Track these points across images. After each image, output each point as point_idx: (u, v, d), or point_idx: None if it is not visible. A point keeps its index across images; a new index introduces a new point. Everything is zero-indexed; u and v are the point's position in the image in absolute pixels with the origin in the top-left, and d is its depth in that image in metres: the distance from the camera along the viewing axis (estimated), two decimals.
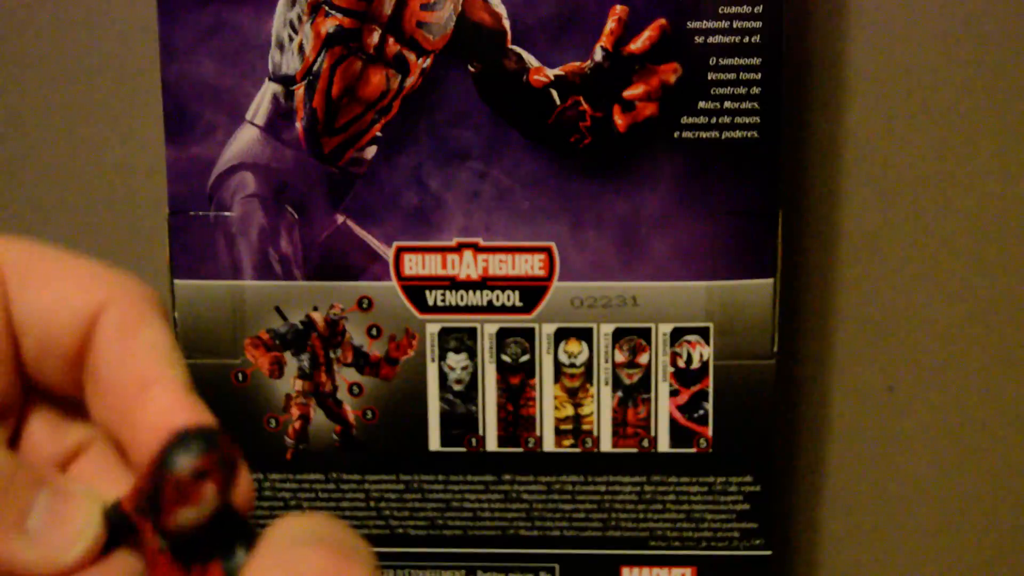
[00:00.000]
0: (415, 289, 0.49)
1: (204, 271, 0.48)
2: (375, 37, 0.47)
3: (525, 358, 0.49)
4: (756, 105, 0.47)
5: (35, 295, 0.29)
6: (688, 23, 0.46)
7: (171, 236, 0.48)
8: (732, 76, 0.46)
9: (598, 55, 0.47)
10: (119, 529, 0.28)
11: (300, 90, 0.47)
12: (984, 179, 0.53)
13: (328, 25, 0.47)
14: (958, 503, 0.56)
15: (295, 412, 0.50)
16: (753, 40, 0.46)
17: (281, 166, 0.48)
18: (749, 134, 0.47)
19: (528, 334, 0.49)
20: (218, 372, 0.49)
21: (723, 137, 0.47)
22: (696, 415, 0.49)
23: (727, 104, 0.47)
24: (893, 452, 0.56)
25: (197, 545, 0.27)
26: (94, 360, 0.29)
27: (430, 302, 0.49)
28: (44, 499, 0.28)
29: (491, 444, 0.50)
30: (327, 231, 0.48)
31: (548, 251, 0.48)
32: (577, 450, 0.50)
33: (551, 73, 0.47)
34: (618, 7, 0.46)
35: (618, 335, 0.49)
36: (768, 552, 0.50)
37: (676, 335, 0.49)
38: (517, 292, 0.49)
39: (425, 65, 0.47)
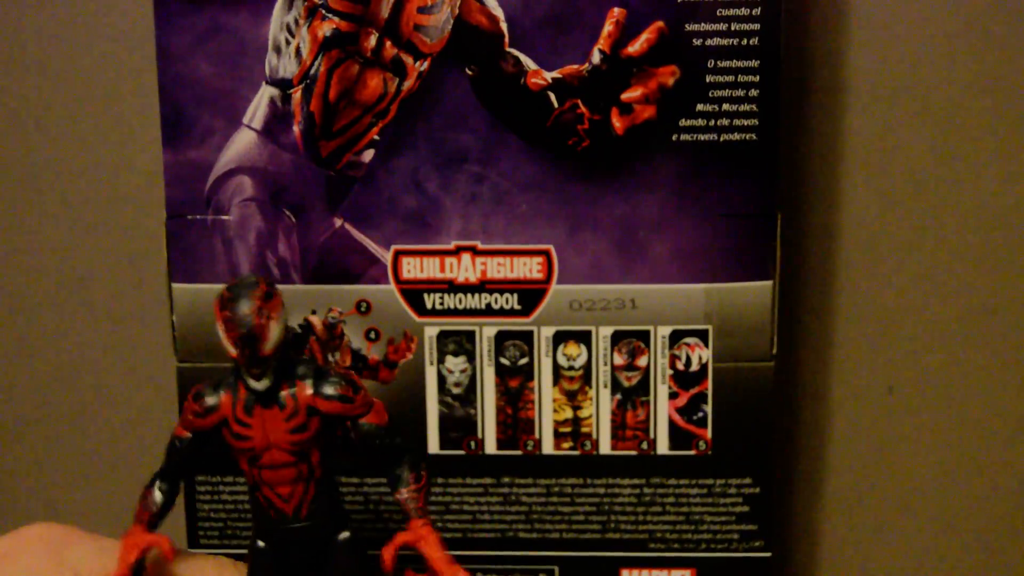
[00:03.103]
0: (413, 292, 0.49)
1: (202, 275, 0.48)
2: (372, 40, 0.47)
3: (524, 361, 0.49)
4: (754, 107, 0.47)
5: None
6: (686, 25, 0.46)
7: (169, 240, 0.48)
8: (730, 78, 0.46)
9: (596, 58, 0.47)
10: None
11: (297, 94, 0.47)
12: (984, 179, 0.53)
13: (325, 28, 0.46)
14: (958, 503, 0.56)
15: None
16: (751, 42, 0.46)
17: (278, 170, 0.48)
18: (747, 136, 0.47)
19: (527, 337, 0.49)
20: (216, 376, 0.49)
21: (721, 139, 0.47)
22: (695, 417, 0.49)
23: (725, 106, 0.47)
24: (893, 453, 0.56)
25: None
26: None
27: (428, 305, 0.49)
28: None
29: (490, 447, 0.50)
30: (325, 234, 0.48)
31: (546, 254, 0.48)
32: (576, 453, 0.50)
33: (549, 76, 0.47)
34: (616, 10, 0.46)
35: (617, 338, 0.49)
36: (768, 554, 0.50)
37: (675, 337, 0.49)
38: (516, 295, 0.49)
39: (422, 68, 0.47)
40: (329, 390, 0.38)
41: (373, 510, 0.50)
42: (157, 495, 0.39)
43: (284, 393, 0.38)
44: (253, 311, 0.36)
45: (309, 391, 0.38)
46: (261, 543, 0.39)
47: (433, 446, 0.50)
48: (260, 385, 0.37)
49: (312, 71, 0.47)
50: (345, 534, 0.40)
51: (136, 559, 0.38)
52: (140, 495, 0.39)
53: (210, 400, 0.38)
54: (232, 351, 0.36)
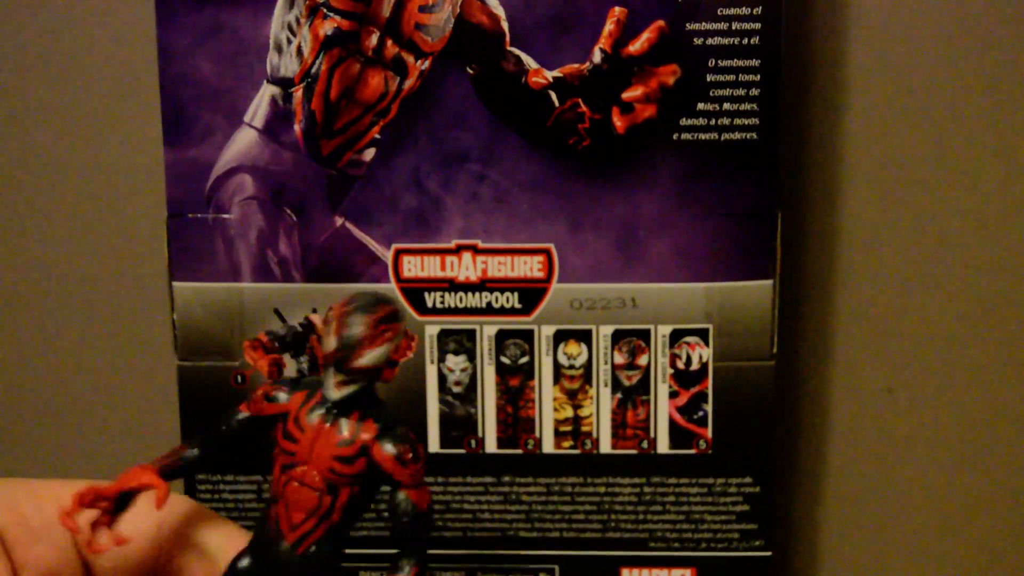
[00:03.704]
0: (414, 291, 0.49)
1: (203, 274, 0.48)
2: (373, 39, 0.47)
3: (524, 360, 0.49)
4: (755, 106, 0.47)
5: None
6: (687, 25, 0.46)
7: (170, 239, 0.48)
8: (731, 78, 0.46)
9: (597, 57, 0.47)
10: None
11: (298, 92, 0.47)
12: (984, 179, 0.53)
13: (326, 27, 0.47)
14: (958, 503, 0.56)
15: None
16: (752, 41, 0.46)
17: (280, 168, 0.48)
18: (748, 135, 0.47)
19: (527, 336, 0.49)
20: (217, 374, 0.49)
21: (722, 139, 0.47)
22: (695, 416, 0.49)
23: (726, 106, 0.47)
24: (893, 453, 0.56)
25: None
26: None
27: (429, 304, 0.49)
28: None
29: (490, 446, 0.50)
30: (326, 233, 0.48)
31: (547, 253, 0.48)
32: (577, 451, 0.50)
33: (550, 75, 0.47)
34: (617, 9, 0.46)
35: (617, 336, 0.49)
36: (768, 553, 0.50)
37: (675, 336, 0.49)
38: (516, 294, 0.49)
39: (424, 67, 0.47)
40: (390, 443, 0.36)
41: (373, 508, 0.50)
42: (189, 452, 0.37)
43: (352, 419, 0.36)
44: (370, 322, 0.35)
45: (373, 432, 0.36)
46: (245, 562, 0.37)
47: (433, 445, 0.50)
48: (336, 394, 0.36)
49: (313, 70, 0.47)
50: None
51: (129, 488, 0.36)
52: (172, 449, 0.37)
53: (283, 389, 0.37)
54: (328, 347, 0.35)
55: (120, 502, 0.36)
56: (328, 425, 0.36)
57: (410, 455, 0.36)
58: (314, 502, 0.36)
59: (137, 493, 0.36)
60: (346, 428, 0.36)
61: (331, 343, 0.35)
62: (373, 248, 0.48)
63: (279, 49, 0.47)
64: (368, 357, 0.35)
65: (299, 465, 0.36)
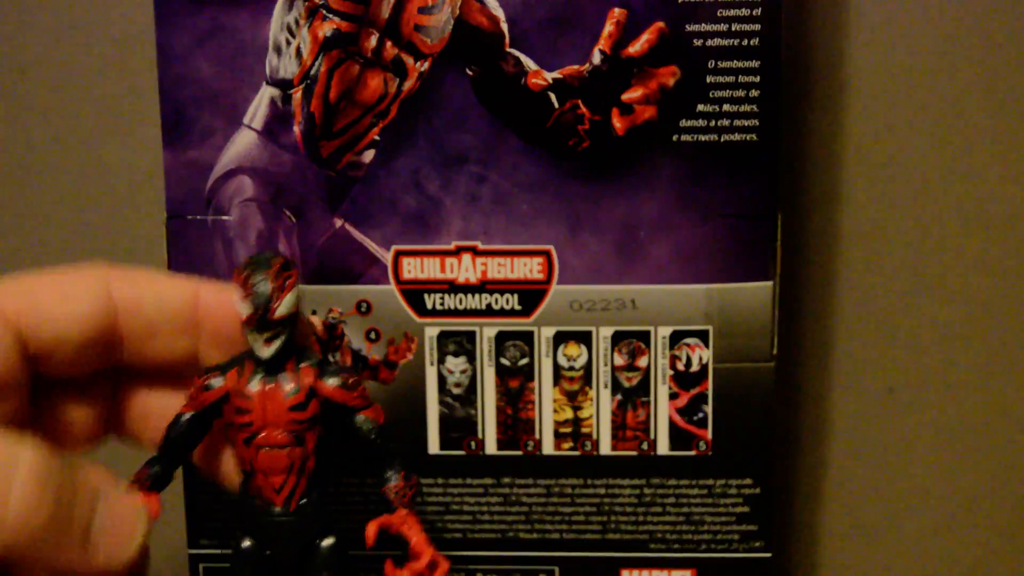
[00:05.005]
0: (414, 293, 0.49)
1: (202, 275, 0.48)
2: (373, 41, 0.47)
3: (524, 361, 0.49)
4: (755, 108, 0.47)
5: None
6: (687, 26, 0.46)
7: (169, 240, 0.48)
8: (731, 79, 0.46)
9: (596, 58, 0.47)
10: None
11: (298, 94, 0.47)
12: (984, 179, 0.53)
13: (325, 29, 0.46)
14: (958, 503, 0.56)
15: None
16: (752, 42, 0.46)
17: (279, 170, 0.48)
18: (748, 137, 0.47)
19: (527, 337, 0.49)
20: None
21: (722, 140, 0.47)
22: (695, 418, 0.49)
23: (726, 107, 0.47)
24: (893, 453, 0.56)
25: None
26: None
27: (429, 306, 0.49)
28: (101, 508, 0.35)
29: (490, 447, 0.50)
30: (325, 235, 0.48)
31: (547, 254, 0.48)
32: (576, 453, 0.50)
33: (549, 76, 0.47)
34: (616, 10, 0.46)
35: (617, 338, 0.49)
36: (768, 554, 0.50)
37: (675, 338, 0.49)
38: (516, 295, 0.49)
39: (423, 68, 0.47)
40: (332, 376, 0.39)
41: (374, 511, 0.50)
42: (153, 470, 0.39)
43: (289, 372, 0.39)
44: (271, 275, 0.38)
45: (312, 374, 0.39)
46: (247, 542, 0.40)
47: (433, 446, 0.50)
48: (267, 352, 0.38)
49: (312, 71, 0.47)
50: (330, 540, 0.40)
51: None
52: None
53: (216, 374, 0.39)
54: (245, 312, 0.38)
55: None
56: (271, 386, 0.39)
57: (352, 379, 0.39)
58: (286, 459, 0.39)
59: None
60: (288, 380, 0.39)
61: (246, 308, 0.38)
62: (373, 250, 0.48)
63: (278, 51, 0.47)
64: (284, 305, 0.38)
65: (259, 432, 0.39)
